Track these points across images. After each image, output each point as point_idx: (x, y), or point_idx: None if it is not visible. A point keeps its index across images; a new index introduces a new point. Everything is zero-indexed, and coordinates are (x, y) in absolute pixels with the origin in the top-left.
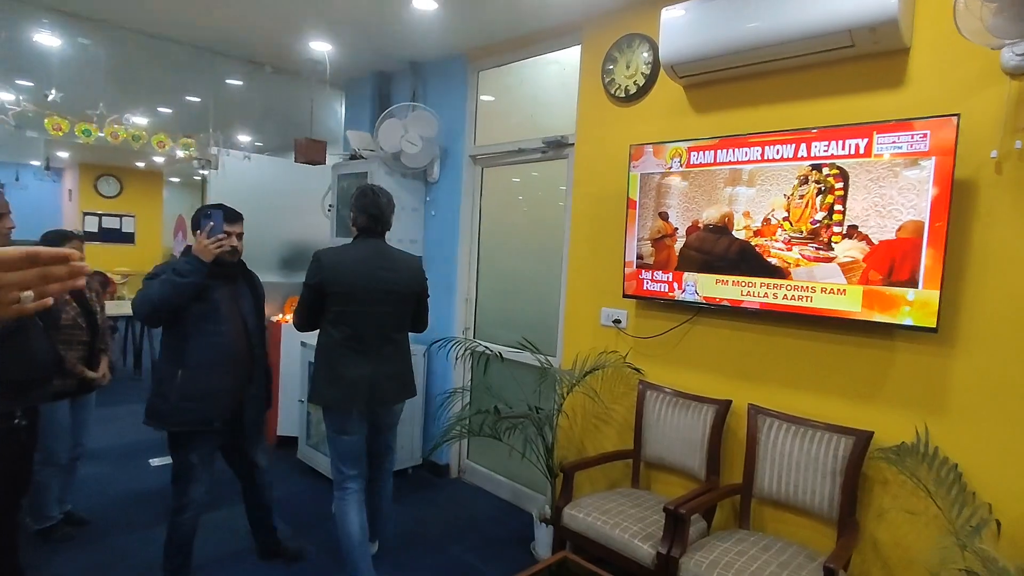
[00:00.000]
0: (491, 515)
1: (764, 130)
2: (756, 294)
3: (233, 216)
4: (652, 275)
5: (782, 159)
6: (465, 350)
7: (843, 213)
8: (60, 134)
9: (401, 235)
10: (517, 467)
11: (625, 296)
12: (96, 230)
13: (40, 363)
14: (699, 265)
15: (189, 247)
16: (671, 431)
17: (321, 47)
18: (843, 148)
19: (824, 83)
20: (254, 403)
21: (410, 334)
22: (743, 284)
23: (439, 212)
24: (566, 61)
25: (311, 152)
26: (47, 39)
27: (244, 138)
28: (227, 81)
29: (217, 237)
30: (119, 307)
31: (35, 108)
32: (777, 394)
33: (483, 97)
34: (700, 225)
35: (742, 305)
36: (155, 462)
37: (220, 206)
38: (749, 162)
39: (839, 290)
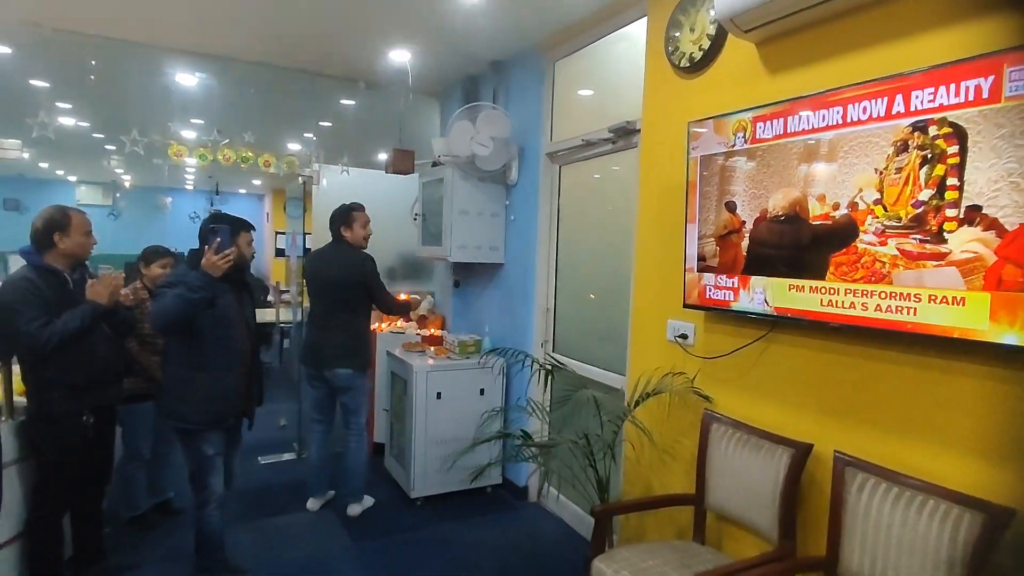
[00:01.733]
0: (558, 549)
1: (851, 82)
2: (840, 304)
3: (245, 226)
4: (716, 280)
5: (871, 119)
6: (514, 362)
7: (959, 189)
8: (179, 159)
9: (480, 241)
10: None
11: (686, 306)
12: (285, 247)
13: (103, 368)
14: (769, 266)
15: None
16: (737, 476)
17: (400, 56)
18: (957, 94)
19: (931, 7)
20: (254, 401)
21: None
22: (823, 291)
23: (518, 216)
24: (636, 37)
25: (400, 162)
26: (181, 78)
27: (384, 156)
28: (341, 101)
29: (225, 253)
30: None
31: (160, 138)
32: (873, 440)
33: (581, 92)
34: (768, 216)
35: (823, 319)
36: (264, 460)
37: (226, 219)
38: (828, 128)
39: (956, 299)
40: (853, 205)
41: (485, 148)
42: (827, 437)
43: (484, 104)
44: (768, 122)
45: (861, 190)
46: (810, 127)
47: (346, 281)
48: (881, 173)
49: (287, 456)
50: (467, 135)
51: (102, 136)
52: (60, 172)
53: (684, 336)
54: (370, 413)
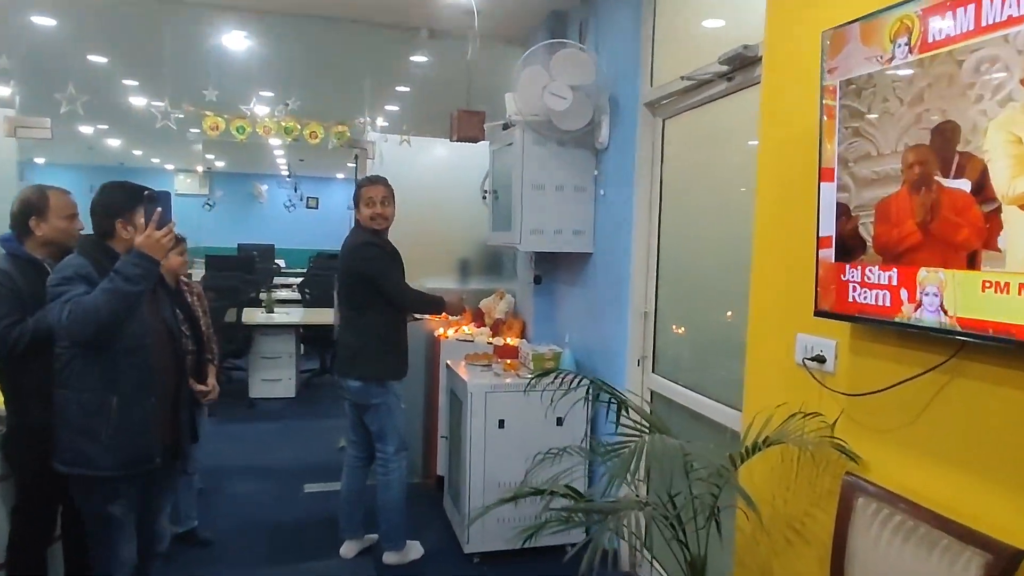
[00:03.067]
0: None
1: None
2: None
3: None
4: (863, 273)
5: None
6: (569, 388)
7: None
8: (216, 133)
9: (560, 224)
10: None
11: (818, 313)
12: None
13: None
14: (947, 250)
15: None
16: None
17: None
18: None
19: None
20: (185, 435)
21: None
22: None
23: (609, 190)
24: None
25: (466, 126)
26: (209, 37)
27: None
28: (411, 59)
29: (169, 227)
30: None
31: (194, 109)
32: None
33: (708, 23)
34: (947, 166)
35: None
36: (310, 488)
37: (157, 191)
38: None
39: None
40: None
41: (563, 100)
42: None
43: (560, 42)
44: (949, 13)
45: None
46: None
47: (347, 272)
48: None
49: (337, 485)
50: (539, 84)
51: (181, 116)
52: (156, 160)
53: (820, 359)
54: (432, 440)
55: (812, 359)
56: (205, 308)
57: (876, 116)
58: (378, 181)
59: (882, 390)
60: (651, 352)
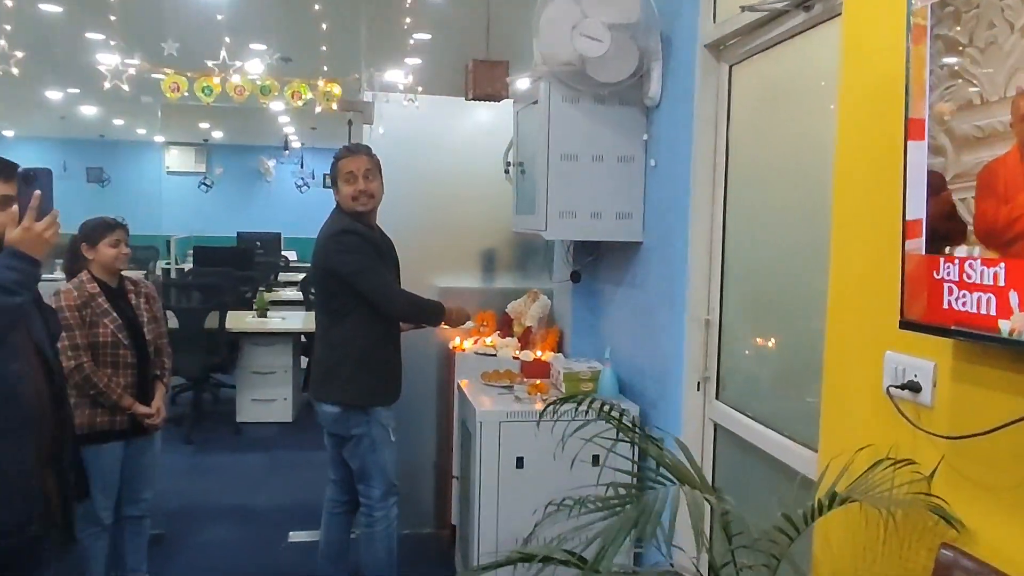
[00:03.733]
0: None
1: None
2: None
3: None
4: (964, 269)
5: None
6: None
7: None
8: (177, 96)
9: (598, 205)
10: None
11: (904, 325)
12: None
13: None
14: None
15: None
16: None
17: None
18: None
19: None
20: (70, 493)
21: None
22: None
23: (662, 160)
24: None
25: (484, 81)
26: None
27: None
28: None
29: (52, 215)
30: None
31: (150, 67)
32: None
33: None
34: None
35: None
36: (296, 537)
37: (33, 169)
38: None
39: None
40: None
41: (598, 44)
42: None
43: None
44: None
45: None
46: None
47: (319, 268)
48: None
49: None
50: (567, 24)
51: (162, 76)
52: (142, 131)
53: (913, 387)
54: (446, 480)
55: (902, 387)
56: (156, 313)
57: (980, 49)
58: (359, 151)
59: (987, 432)
60: (715, 372)
